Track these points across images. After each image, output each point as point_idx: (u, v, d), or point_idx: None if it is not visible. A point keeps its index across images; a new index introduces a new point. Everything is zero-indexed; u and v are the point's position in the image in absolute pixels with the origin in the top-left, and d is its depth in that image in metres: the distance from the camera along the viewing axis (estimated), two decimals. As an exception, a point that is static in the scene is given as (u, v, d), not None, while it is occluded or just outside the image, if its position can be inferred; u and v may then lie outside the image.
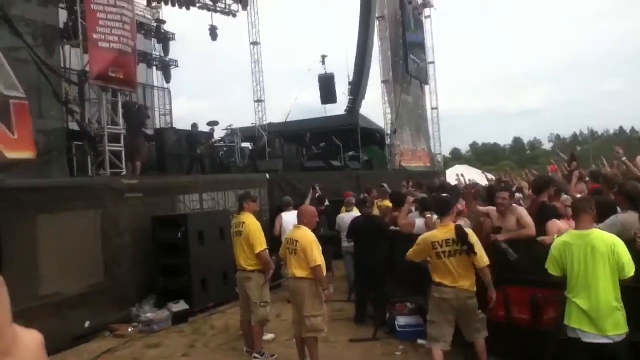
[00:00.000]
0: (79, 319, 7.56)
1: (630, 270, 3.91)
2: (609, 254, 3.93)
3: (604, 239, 4.01)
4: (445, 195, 6.04)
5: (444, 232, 5.20)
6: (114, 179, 9.24)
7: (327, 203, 10.96)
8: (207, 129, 14.72)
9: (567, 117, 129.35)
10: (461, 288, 5.11)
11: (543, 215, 5.76)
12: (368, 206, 8.33)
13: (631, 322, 3.97)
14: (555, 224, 5.40)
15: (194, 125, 14.20)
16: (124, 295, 8.40)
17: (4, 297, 0.54)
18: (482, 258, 5.05)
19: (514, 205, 6.06)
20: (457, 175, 12.42)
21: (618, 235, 4.34)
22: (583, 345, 3.99)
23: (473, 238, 5.07)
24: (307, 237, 5.89)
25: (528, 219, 5.72)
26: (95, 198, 8.37)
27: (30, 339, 0.57)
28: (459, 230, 5.09)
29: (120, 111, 10.52)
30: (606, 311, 3.91)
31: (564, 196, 6.53)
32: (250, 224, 6.63)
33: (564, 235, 4.37)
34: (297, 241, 5.90)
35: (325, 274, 5.96)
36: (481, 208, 6.68)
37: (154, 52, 18.56)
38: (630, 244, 4.23)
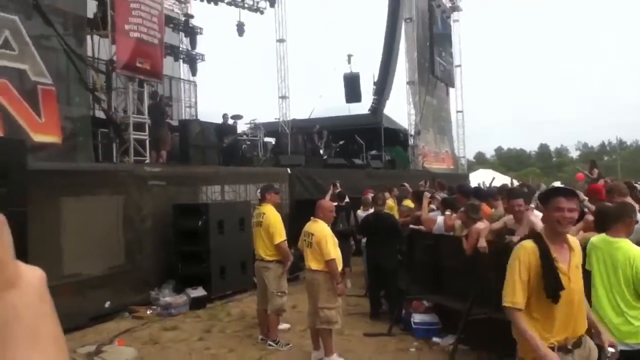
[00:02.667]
0: (100, 299, 7.72)
1: None
2: (627, 267, 3.80)
3: (626, 251, 3.86)
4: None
5: None
6: (137, 166, 9.38)
7: (347, 199, 10.99)
8: (230, 122, 14.82)
9: (596, 127, 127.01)
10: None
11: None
12: (379, 204, 8.35)
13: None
14: None
15: (225, 116, 14.30)
16: (143, 278, 8.54)
17: (5, 234, 0.57)
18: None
19: (527, 212, 5.99)
20: (479, 184, 12.39)
21: (637, 242, 4.23)
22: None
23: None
24: (322, 231, 5.94)
25: (540, 224, 5.65)
26: (118, 184, 8.51)
27: (33, 275, 0.58)
28: None
29: (147, 101, 10.68)
30: (618, 320, 3.81)
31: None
32: (271, 215, 6.71)
33: (596, 237, 4.27)
34: (312, 234, 5.96)
35: (341, 268, 6.01)
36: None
37: (181, 46, 18.74)
38: None
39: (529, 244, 3.07)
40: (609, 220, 4.13)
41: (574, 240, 3.18)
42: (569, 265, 3.02)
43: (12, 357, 0.53)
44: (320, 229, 5.97)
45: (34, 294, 0.57)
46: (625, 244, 3.94)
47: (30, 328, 0.55)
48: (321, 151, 17.14)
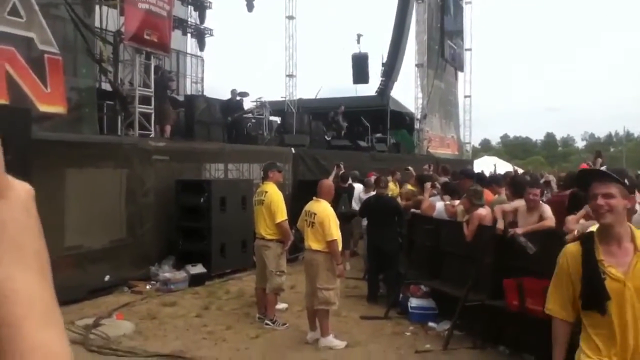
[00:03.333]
0: (100, 273, 7.76)
1: None
2: None
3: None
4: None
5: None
6: (142, 139, 9.37)
7: (350, 181, 10.99)
8: (237, 99, 14.76)
9: (604, 117, 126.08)
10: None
11: (575, 202, 5.67)
12: (382, 186, 8.33)
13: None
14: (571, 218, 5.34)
15: (233, 92, 14.20)
16: (144, 253, 8.58)
17: None
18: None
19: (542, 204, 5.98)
20: (482, 171, 12.39)
21: None
22: None
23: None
24: (325, 211, 5.94)
25: (549, 213, 5.68)
26: (122, 157, 8.50)
27: (22, 188, 0.58)
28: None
29: (152, 74, 10.62)
30: None
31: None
32: (273, 193, 6.70)
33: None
34: (315, 214, 5.96)
35: (341, 250, 6.03)
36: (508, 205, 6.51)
37: (189, 19, 18.57)
38: None
39: (572, 245, 2.66)
40: None
41: None
42: (629, 269, 2.41)
43: None
44: (323, 208, 5.98)
45: (21, 207, 0.56)
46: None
47: (14, 241, 0.54)
48: (343, 132, 17.13)
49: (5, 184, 0.56)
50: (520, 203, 6.00)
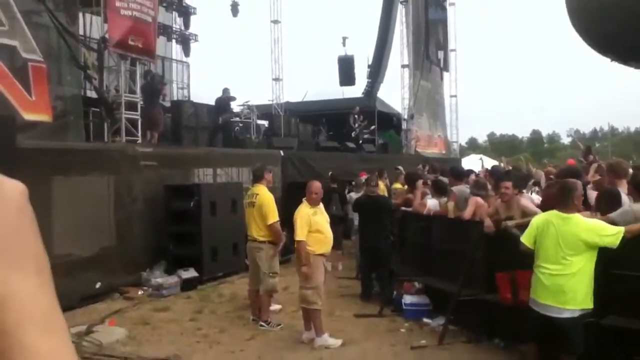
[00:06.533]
0: (90, 280, 7.68)
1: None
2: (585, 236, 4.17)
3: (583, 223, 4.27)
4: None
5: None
6: (129, 145, 9.31)
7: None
8: (227, 96, 14.66)
9: (589, 114, 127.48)
10: None
11: None
12: (372, 185, 8.34)
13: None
14: None
15: (225, 90, 14.06)
16: (134, 259, 8.51)
17: None
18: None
19: (517, 196, 6.03)
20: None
21: (629, 224, 4.32)
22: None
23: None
24: (297, 212, 6.03)
25: (533, 208, 5.72)
26: (110, 163, 8.44)
27: (13, 188, 0.54)
28: None
29: (139, 80, 10.57)
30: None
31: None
32: (264, 195, 6.71)
33: (546, 213, 4.59)
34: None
35: (332, 250, 6.11)
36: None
37: (174, 25, 18.49)
38: None
39: None
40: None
41: None
42: None
43: None
44: (297, 210, 6.05)
45: (13, 208, 0.53)
46: (579, 218, 4.33)
47: (5, 242, 0.51)
48: (353, 134, 17.14)
49: None
50: (498, 203, 6.08)
